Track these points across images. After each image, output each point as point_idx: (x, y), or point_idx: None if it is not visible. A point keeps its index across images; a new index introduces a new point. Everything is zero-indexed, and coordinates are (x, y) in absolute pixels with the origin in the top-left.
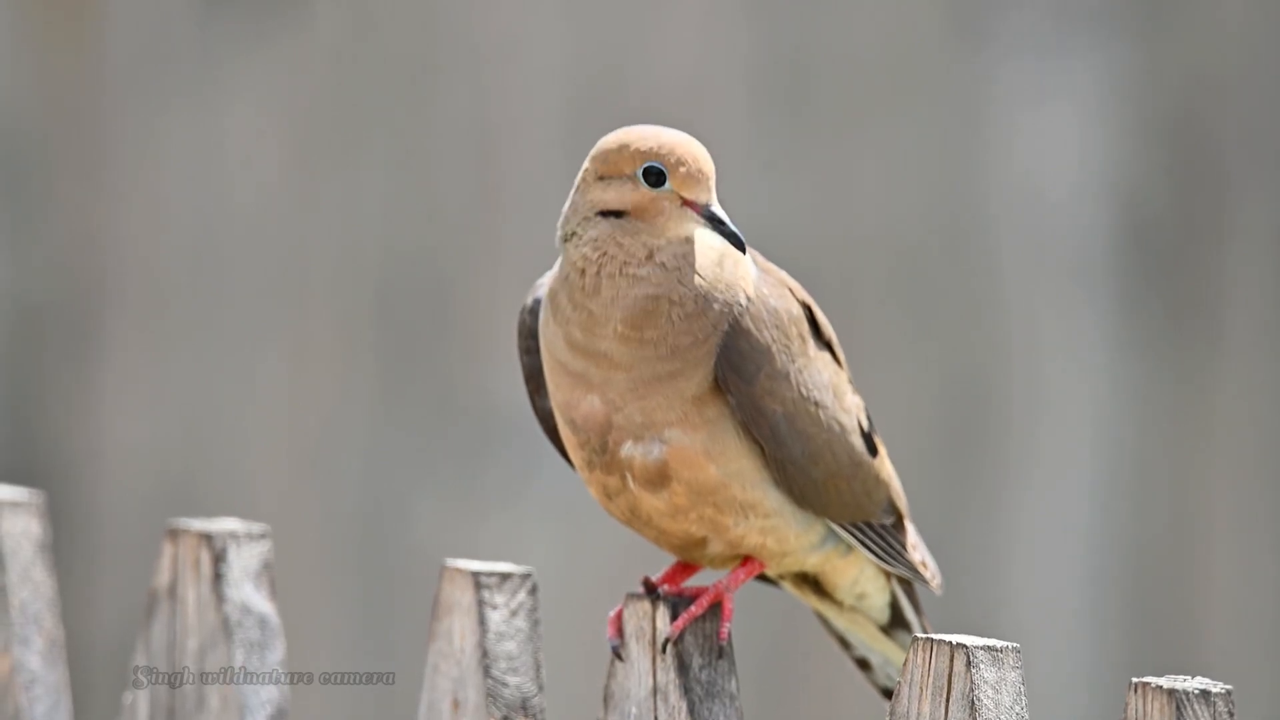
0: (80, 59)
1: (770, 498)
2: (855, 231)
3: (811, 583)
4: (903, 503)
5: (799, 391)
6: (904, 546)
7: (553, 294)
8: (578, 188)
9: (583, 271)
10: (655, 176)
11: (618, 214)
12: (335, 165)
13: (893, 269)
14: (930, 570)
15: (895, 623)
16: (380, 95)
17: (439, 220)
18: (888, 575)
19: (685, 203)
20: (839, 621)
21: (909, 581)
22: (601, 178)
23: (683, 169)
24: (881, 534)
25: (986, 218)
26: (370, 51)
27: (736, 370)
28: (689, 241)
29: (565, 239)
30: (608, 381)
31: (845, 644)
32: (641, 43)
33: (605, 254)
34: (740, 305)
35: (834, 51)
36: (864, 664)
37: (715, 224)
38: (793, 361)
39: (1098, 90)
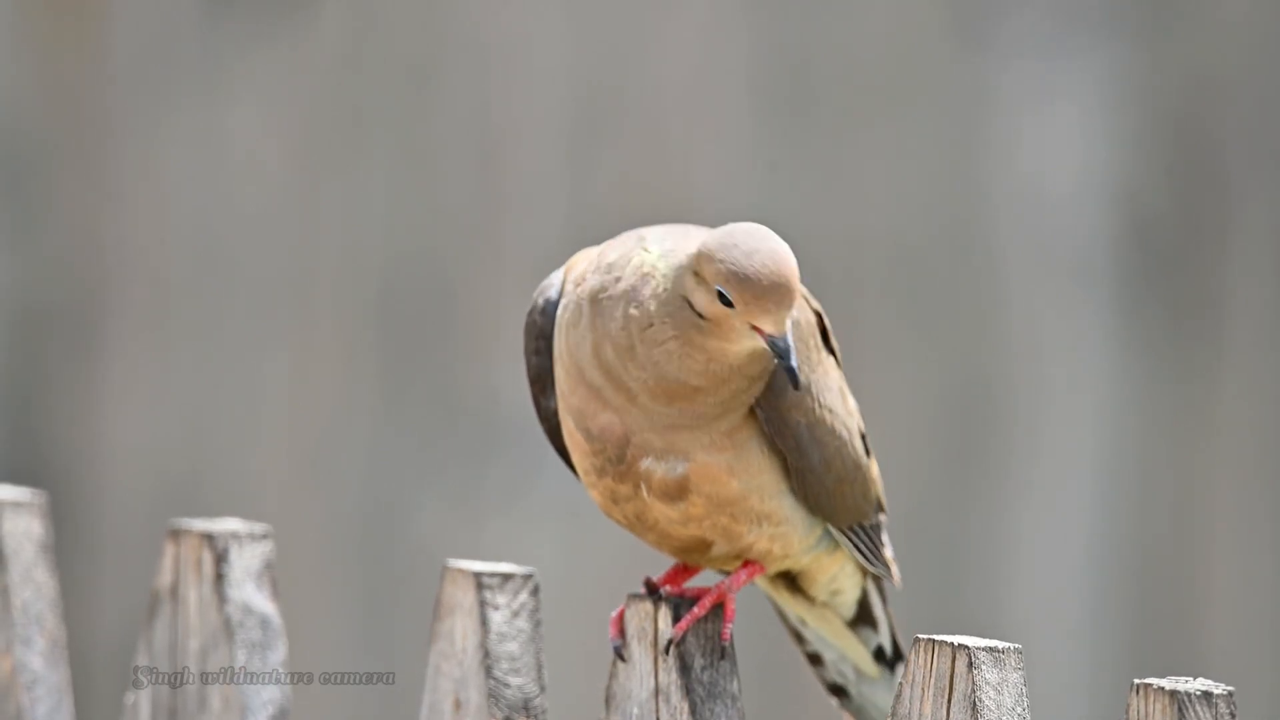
0: (83, 58)
1: (785, 506)
2: (857, 233)
3: (787, 579)
4: (884, 501)
5: (818, 400)
6: (880, 544)
7: (600, 294)
8: (686, 259)
9: (649, 325)
10: (726, 299)
11: (699, 312)
12: (339, 166)
13: (894, 270)
14: (894, 566)
15: (860, 618)
16: (384, 96)
17: (442, 221)
18: (864, 572)
19: (754, 327)
20: (807, 617)
21: (879, 577)
22: (696, 274)
23: (750, 300)
24: (870, 534)
25: (988, 219)
26: (374, 52)
27: (767, 384)
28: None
29: (654, 266)
30: (625, 410)
31: (799, 639)
32: (644, 44)
33: (672, 333)
34: None
35: (836, 53)
36: (816, 659)
37: (778, 354)
38: (812, 371)
39: (1099, 91)
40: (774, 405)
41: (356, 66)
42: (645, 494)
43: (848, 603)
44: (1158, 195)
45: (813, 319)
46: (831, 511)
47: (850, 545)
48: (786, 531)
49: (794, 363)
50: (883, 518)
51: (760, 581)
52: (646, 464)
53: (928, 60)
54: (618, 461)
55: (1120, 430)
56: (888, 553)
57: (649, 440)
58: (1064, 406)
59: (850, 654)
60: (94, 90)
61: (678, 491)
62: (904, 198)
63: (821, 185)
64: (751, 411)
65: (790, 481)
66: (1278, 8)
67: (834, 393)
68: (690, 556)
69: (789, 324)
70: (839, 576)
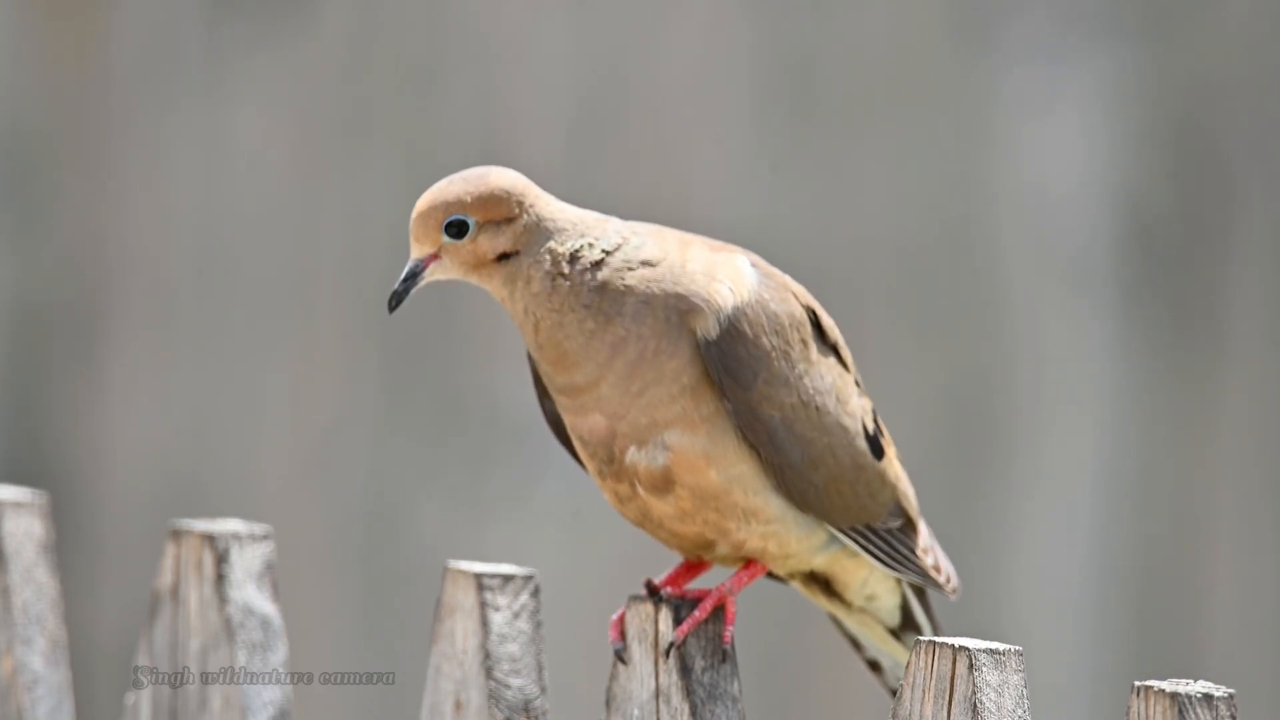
0: (87, 60)
1: (772, 504)
2: (860, 234)
3: (821, 583)
4: (912, 505)
5: (799, 397)
6: (913, 550)
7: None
8: None
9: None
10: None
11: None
12: (341, 167)
13: (897, 272)
14: (945, 574)
15: (906, 625)
16: (386, 97)
17: None
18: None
19: None
20: (849, 623)
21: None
22: None
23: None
24: (886, 538)
25: (991, 221)
26: (376, 54)
27: (734, 376)
28: (537, 262)
29: None
30: (600, 400)
31: (857, 645)
32: (647, 45)
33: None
34: (683, 271)
35: (839, 54)
36: (875, 666)
37: None
38: (793, 367)
39: (1102, 94)
40: (742, 398)
41: (358, 68)
42: (640, 490)
43: (887, 608)
44: (1160, 198)
45: (800, 314)
46: (825, 510)
47: (858, 547)
48: (779, 530)
49: (396, 284)
50: (920, 524)
51: (798, 587)
52: (631, 456)
53: (930, 63)
54: (609, 461)
55: (1122, 432)
56: (927, 559)
57: (632, 424)
58: (1066, 408)
59: (903, 661)
60: (96, 92)
61: (664, 483)
62: (906, 200)
63: (823, 187)
64: (716, 385)
65: (771, 478)
66: (1278, 11)
67: (824, 391)
68: (701, 553)
69: (420, 254)
70: (870, 581)
